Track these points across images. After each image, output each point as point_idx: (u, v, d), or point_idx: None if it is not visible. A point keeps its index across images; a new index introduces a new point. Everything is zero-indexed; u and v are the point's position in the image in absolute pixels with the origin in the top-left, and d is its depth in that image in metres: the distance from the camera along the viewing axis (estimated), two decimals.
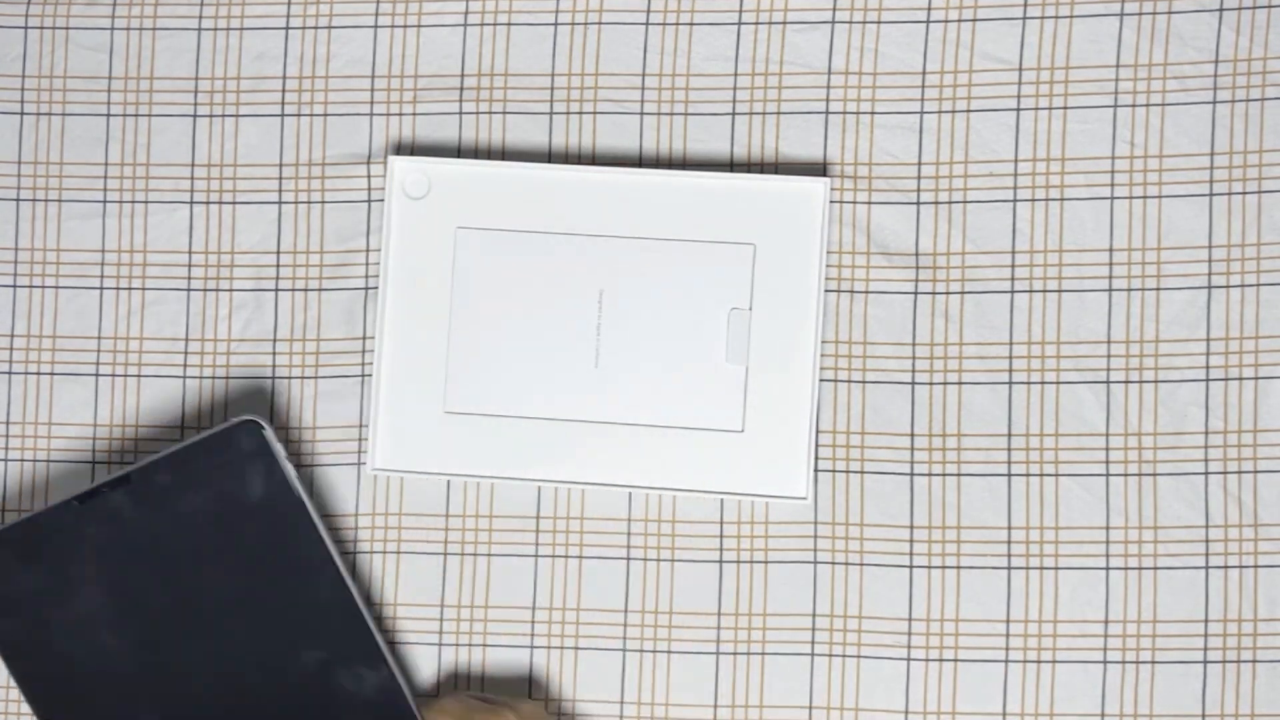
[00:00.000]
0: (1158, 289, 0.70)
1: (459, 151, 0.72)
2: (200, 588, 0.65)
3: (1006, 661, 0.69)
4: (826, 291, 0.70)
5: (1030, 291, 0.70)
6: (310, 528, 0.65)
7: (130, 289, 0.73)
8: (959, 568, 0.69)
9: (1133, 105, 0.70)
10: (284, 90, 0.73)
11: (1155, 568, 0.69)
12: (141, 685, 0.64)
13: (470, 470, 0.70)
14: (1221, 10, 0.70)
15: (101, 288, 0.73)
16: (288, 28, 0.73)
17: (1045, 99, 0.71)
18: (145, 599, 0.65)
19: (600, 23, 0.72)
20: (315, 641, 0.65)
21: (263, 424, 0.66)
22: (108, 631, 0.65)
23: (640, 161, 0.71)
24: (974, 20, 0.71)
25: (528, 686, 0.70)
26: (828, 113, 0.71)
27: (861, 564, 0.70)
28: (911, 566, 0.70)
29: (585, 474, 0.70)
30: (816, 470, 0.70)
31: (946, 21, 0.71)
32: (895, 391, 0.70)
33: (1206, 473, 0.69)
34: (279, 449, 0.66)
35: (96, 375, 0.72)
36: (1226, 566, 0.69)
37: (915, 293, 0.70)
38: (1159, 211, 0.70)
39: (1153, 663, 0.69)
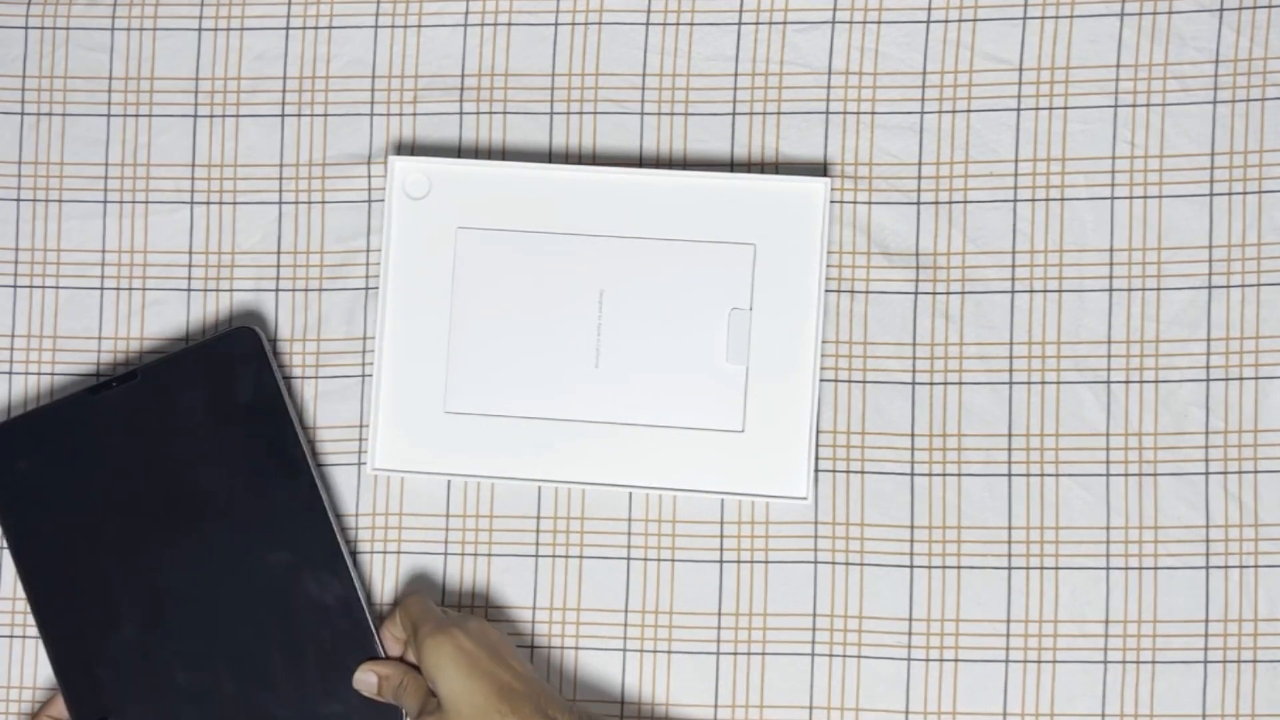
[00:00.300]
0: (1158, 289, 0.70)
1: (459, 151, 0.72)
2: (187, 483, 0.68)
3: (1007, 661, 0.69)
4: (826, 291, 0.70)
5: (1030, 291, 0.70)
6: (292, 434, 0.68)
7: (130, 289, 0.73)
8: (959, 568, 0.69)
9: (1133, 105, 0.70)
10: (284, 90, 0.73)
11: (1155, 568, 0.69)
12: (124, 572, 0.67)
13: (470, 470, 0.70)
14: (1221, 10, 0.70)
15: (102, 288, 0.73)
16: (288, 28, 0.73)
17: (1045, 99, 0.71)
18: (137, 491, 0.68)
19: (600, 23, 0.72)
20: (284, 544, 0.68)
21: (259, 332, 0.69)
22: (101, 519, 0.68)
23: (640, 161, 0.71)
24: (974, 20, 0.71)
25: None
26: (828, 113, 0.71)
27: (861, 564, 0.70)
28: (912, 566, 0.70)
29: (585, 474, 0.70)
30: (816, 470, 0.70)
31: (946, 21, 0.71)
32: (895, 391, 0.70)
33: (1207, 473, 0.69)
34: (272, 357, 0.69)
35: (97, 375, 0.72)
36: (1227, 566, 0.69)
37: (915, 293, 0.70)
38: (1159, 211, 0.70)
39: (1153, 663, 0.69)
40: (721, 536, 0.70)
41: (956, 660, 0.69)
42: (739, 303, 0.69)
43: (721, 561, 0.70)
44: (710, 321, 0.69)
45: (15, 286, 0.73)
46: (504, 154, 0.72)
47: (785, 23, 0.71)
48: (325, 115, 0.72)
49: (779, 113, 0.71)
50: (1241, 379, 0.69)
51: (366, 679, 0.67)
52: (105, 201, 0.73)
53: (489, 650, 0.64)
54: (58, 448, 0.68)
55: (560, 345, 0.70)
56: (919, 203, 0.70)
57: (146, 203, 0.73)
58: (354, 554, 0.70)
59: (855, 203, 0.71)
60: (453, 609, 0.70)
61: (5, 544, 0.71)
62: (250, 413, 0.68)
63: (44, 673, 0.71)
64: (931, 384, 0.70)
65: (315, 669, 0.67)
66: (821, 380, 0.70)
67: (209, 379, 0.68)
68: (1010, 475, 0.70)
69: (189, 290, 0.72)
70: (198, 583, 0.67)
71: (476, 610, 0.70)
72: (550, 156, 0.72)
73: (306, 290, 0.72)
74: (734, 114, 0.71)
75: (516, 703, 0.62)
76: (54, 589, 0.67)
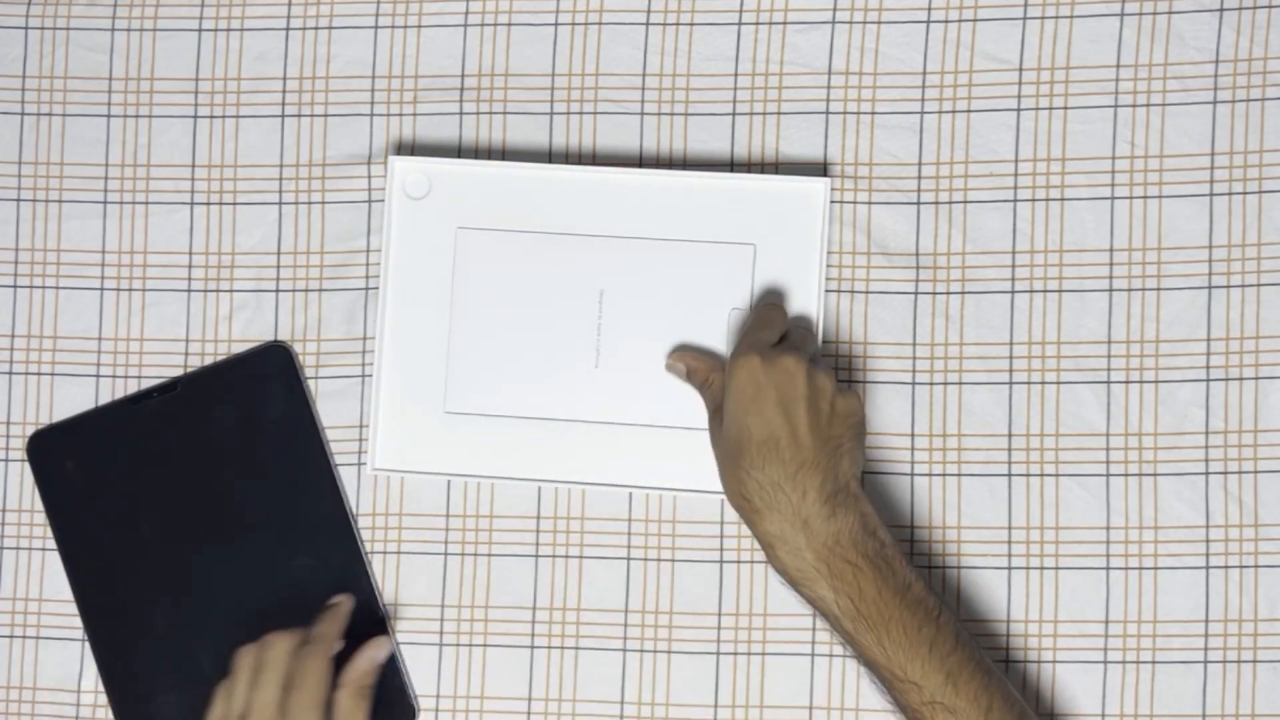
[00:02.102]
0: (1158, 289, 0.70)
1: (459, 151, 0.72)
2: (220, 489, 0.70)
3: (1007, 662, 0.69)
4: (826, 291, 0.70)
5: (1030, 291, 0.70)
6: (319, 447, 0.71)
7: (130, 289, 0.73)
8: (959, 568, 0.69)
9: (1133, 105, 0.70)
10: (284, 91, 0.73)
11: (1155, 568, 0.69)
12: (160, 570, 0.70)
13: (470, 470, 0.70)
14: (1221, 10, 0.70)
15: (102, 288, 0.73)
16: (288, 28, 0.73)
17: (1045, 99, 0.70)
18: (174, 494, 0.70)
19: (600, 23, 0.72)
20: (309, 549, 0.70)
21: (290, 348, 0.71)
22: (139, 519, 0.70)
23: (640, 161, 0.71)
24: (974, 20, 0.71)
25: (528, 686, 0.70)
26: (828, 113, 0.71)
27: None
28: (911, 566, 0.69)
29: (585, 474, 0.70)
30: None
31: (947, 21, 0.71)
32: (895, 391, 0.70)
33: (1207, 473, 0.69)
34: (302, 372, 0.71)
35: (97, 375, 0.72)
36: (1227, 566, 0.69)
37: (915, 293, 0.70)
38: (1159, 211, 0.70)
39: (1153, 663, 0.69)
40: (721, 536, 0.70)
41: None
42: (739, 303, 0.69)
43: (721, 561, 0.70)
44: (710, 321, 0.69)
45: (15, 286, 0.73)
46: (504, 154, 0.72)
47: (785, 23, 0.71)
48: (325, 115, 0.72)
49: (779, 113, 0.71)
50: (1241, 379, 0.69)
51: (677, 366, 0.67)
52: (105, 202, 0.73)
53: (780, 394, 0.61)
54: (102, 451, 0.71)
55: (560, 345, 0.70)
56: (919, 203, 0.70)
57: (146, 203, 0.73)
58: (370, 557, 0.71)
59: (855, 203, 0.71)
60: (453, 607, 0.70)
61: (13, 544, 0.72)
62: (280, 425, 0.71)
63: (45, 673, 0.71)
64: (931, 384, 0.70)
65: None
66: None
67: (243, 392, 0.71)
68: (1010, 475, 0.70)
69: (189, 290, 0.72)
70: (227, 583, 0.70)
71: (477, 609, 0.70)
72: (550, 156, 0.72)
73: (306, 290, 0.72)
74: (734, 114, 0.71)
75: (769, 456, 0.60)
76: (95, 583, 0.71)
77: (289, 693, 0.63)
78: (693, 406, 0.69)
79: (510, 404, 0.70)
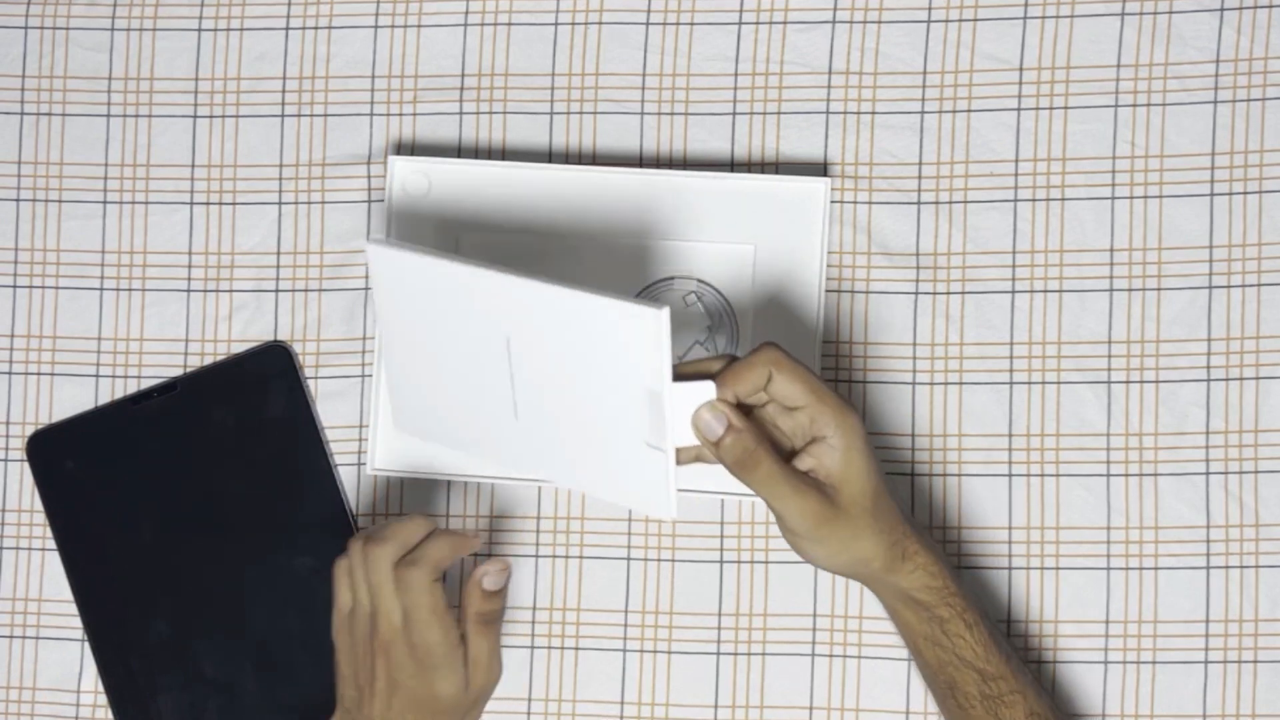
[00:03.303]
0: (1158, 289, 0.70)
1: (459, 151, 0.72)
2: (220, 488, 0.71)
3: None
4: (826, 291, 0.70)
5: (1030, 291, 0.70)
6: (319, 447, 0.71)
7: (130, 289, 0.73)
8: (959, 568, 0.69)
9: (1133, 105, 0.70)
10: (284, 91, 0.73)
11: (1156, 568, 0.69)
12: (160, 569, 0.70)
13: (470, 470, 0.70)
14: (1222, 10, 0.70)
15: (102, 288, 0.73)
16: (288, 28, 0.73)
17: (1045, 99, 0.70)
18: (174, 494, 0.71)
19: (600, 23, 0.72)
20: (309, 549, 0.70)
21: (290, 348, 0.71)
22: (140, 519, 0.70)
23: (640, 161, 0.71)
24: (974, 20, 0.71)
25: (528, 686, 0.70)
26: (828, 113, 0.71)
27: None
28: None
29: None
30: None
31: (947, 21, 0.71)
32: (895, 391, 0.70)
33: (1207, 473, 0.69)
34: (302, 373, 0.71)
35: (97, 375, 0.72)
36: (1227, 566, 0.69)
37: (915, 293, 0.70)
38: (1159, 211, 0.70)
39: (1153, 663, 0.69)
40: (721, 536, 0.70)
41: None
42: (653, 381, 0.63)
43: (721, 561, 0.70)
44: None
45: (15, 286, 0.73)
46: (504, 154, 0.72)
47: (785, 23, 0.71)
48: (325, 115, 0.72)
49: (779, 113, 0.71)
50: (1241, 379, 0.69)
51: (713, 424, 0.58)
52: (105, 202, 0.73)
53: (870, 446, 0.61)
54: (102, 451, 0.71)
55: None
56: (919, 203, 0.70)
57: (146, 203, 0.73)
58: None
59: (855, 203, 0.71)
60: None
61: (13, 544, 0.72)
62: (281, 425, 0.71)
63: (45, 673, 0.71)
64: (932, 384, 0.70)
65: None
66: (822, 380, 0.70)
67: (243, 392, 0.71)
68: (1010, 475, 0.70)
69: (189, 290, 0.72)
70: (228, 582, 0.70)
71: None
72: (550, 156, 0.72)
73: (306, 290, 0.72)
74: (734, 114, 0.71)
75: (894, 502, 0.61)
76: (95, 583, 0.71)
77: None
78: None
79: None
